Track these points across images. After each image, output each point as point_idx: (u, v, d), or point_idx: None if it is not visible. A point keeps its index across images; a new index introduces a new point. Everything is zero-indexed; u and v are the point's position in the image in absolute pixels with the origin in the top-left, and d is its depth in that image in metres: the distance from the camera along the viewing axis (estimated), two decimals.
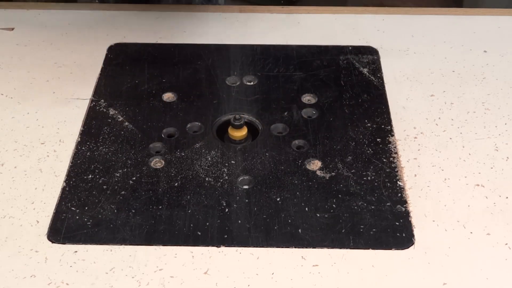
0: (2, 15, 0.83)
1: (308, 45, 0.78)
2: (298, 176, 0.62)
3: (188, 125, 0.67)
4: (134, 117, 0.68)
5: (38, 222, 0.58)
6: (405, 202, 0.59)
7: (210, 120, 0.68)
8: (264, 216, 0.58)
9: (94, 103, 0.70)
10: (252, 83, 0.73)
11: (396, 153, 0.64)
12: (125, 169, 0.62)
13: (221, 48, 0.78)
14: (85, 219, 0.58)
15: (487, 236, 0.57)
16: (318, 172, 0.62)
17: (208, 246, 0.56)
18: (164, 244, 0.56)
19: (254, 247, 0.56)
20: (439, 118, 0.68)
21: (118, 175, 0.62)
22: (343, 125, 0.67)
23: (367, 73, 0.74)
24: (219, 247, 0.56)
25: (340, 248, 0.55)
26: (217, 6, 0.92)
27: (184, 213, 0.58)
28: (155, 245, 0.56)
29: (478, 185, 0.61)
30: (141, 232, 0.57)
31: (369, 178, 0.61)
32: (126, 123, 0.67)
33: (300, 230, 0.57)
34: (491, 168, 0.63)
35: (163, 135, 0.66)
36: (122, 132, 0.66)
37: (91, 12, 0.84)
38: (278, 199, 0.59)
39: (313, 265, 0.54)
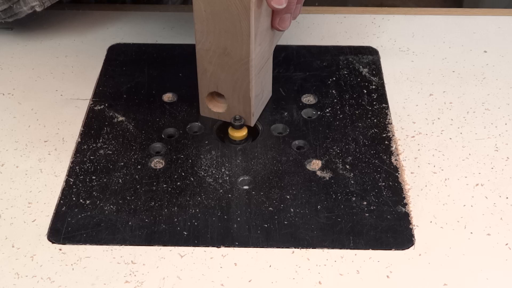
0: None
1: (308, 45, 0.78)
2: (298, 176, 0.62)
3: (188, 126, 0.67)
4: (134, 117, 0.68)
5: (38, 222, 0.58)
6: (405, 202, 0.59)
7: (210, 121, 0.68)
8: (264, 216, 0.58)
9: (94, 103, 0.70)
10: None
11: (396, 153, 0.64)
12: (125, 170, 0.62)
13: None
14: (85, 220, 0.58)
15: (487, 236, 0.57)
16: (318, 172, 0.62)
17: (208, 246, 0.56)
18: (164, 244, 0.56)
19: (254, 247, 0.56)
20: (439, 118, 0.68)
21: (118, 175, 0.62)
22: (343, 125, 0.67)
23: (367, 73, 0.74)
24: (219, 247, 0.56)
25: (340, 248, 0.55)
26: None
27: (184, 213, 0.58)
28: (155, 245, 0.56)
29: (478, 185, 0.61)
30: (141, 232, 0.57)
31: (369, 178, 0.61)
32: (126, 123, 0.67)
33: (300, 230, 0.57)
34: (491, 168, 0.63)
35: (163, 136, 0.66)
36: (122, 132, 0.66)
37: (91, 12, 0.84)
38: (278, 199, 0.59)
39: (313, 265, 0.54)
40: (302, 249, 0.55)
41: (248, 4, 0.58)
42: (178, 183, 0.61)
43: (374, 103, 0.70)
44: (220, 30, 0.61)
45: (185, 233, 0.57)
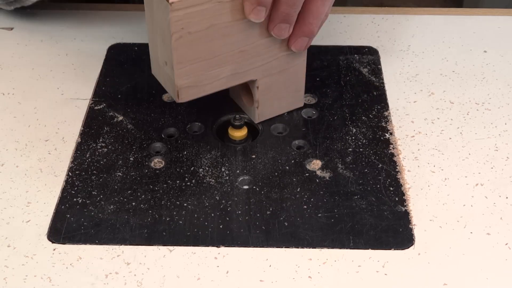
0: (2, 15, 0.83)
1: None
2: (298, 176, 0.62)
3: (188, 125, 0.67)
4: (134, 117, 0.68)
5: (38, 222, 0.58)
6: (405, 202, 0.59)
7: (210, 120, 0.68)
8: (264, 216, 0.58)
9: (94, 103, 0.70)
10: None
11: (396, 153, 0.64)
12: (125, 169, 0.62)
13: None
14: (85, 219, 0.58)
15: (487, 236, 0.57)
16: (318, 172, 0.62)
17: (208, 246, 0.56)
18: (164, 244, 0.56)
19: (254, 247, 0.56)
20: (439, 118, 0.68)
21: (118, 175, 0.62)
22: (343, 125, 0.67)
23: (367, 73, 0.74)
24: (219, 247, 0.56)
25: (340, 248, 0.55)
26: None
27: (184, 213, 0.58)
28: (155, 245, 0.56)
29: (478, 184, 0.61)
30: (141, 232, 0.57)
31: (369, 178, 0.61)
32: (126, 123, 0.67)
33: (300, 230, 0.57)
34: (491, 168, 0.63)
35: (163, 135, 0.66)
36: (122, 132, 0.66)
37: (91, 12, 0.84)
38: (278, 199, 0.59)
39: (313, 265, 0.54)
40: (302, 249, 0.55)
41: None
42: (178, 183, 0.61)
43: (374, 103, 0.70)
44: None
45: (185, 233, 0.57)
